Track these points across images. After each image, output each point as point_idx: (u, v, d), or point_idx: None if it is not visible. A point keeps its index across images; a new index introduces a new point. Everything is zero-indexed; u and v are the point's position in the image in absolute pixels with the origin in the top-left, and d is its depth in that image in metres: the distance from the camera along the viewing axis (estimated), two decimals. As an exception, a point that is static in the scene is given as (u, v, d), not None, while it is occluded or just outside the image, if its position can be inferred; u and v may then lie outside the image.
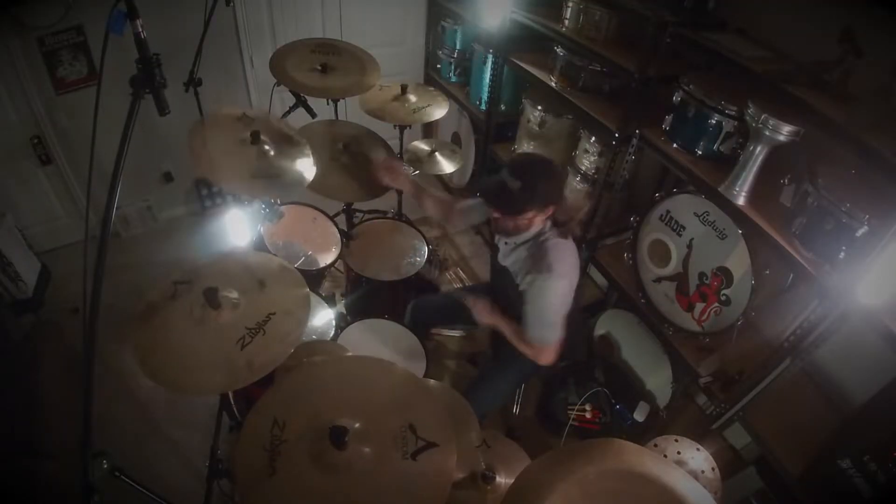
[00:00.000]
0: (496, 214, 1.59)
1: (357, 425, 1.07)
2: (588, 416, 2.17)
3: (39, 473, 1.73)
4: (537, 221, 1.59)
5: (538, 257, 1.58)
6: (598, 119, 2.19)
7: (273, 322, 1.28)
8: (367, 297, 2.23)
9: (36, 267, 2.61)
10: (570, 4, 2.22)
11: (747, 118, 1.56)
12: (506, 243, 1.70)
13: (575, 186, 2.49)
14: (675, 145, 1.89)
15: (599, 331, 2.48)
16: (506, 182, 1.48)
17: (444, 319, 1.91)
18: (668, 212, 1.97)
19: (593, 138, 2.35)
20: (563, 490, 0.88)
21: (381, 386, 1.20)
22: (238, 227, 2.37)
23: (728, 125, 1.73)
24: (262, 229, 2.17)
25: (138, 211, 3.12)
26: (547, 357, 1.62)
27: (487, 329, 2.20)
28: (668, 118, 1.90)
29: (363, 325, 1.95)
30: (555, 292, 1.56)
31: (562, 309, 1.59)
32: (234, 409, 1.78)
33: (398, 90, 2.39)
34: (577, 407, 2.15)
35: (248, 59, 3.01)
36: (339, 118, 2.49)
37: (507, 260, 1.70)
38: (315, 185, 2.05)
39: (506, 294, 1.75)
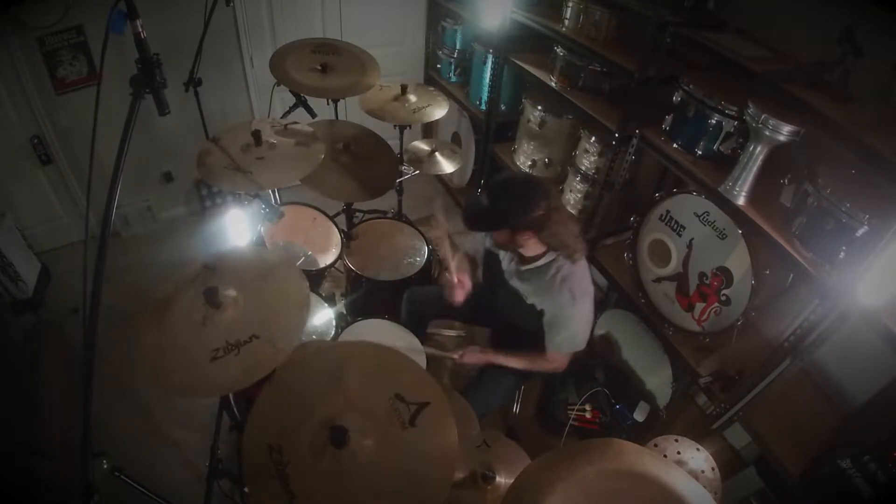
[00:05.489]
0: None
1: (352, 418, 1.06)
2: (588, 416, 2.17)
3: (39, 473, 1.73)
4: (531, 244, 1.58)
5: (556, 289, 1.59)
6: (598, 119, 2.19)
7: (251, 346, 1.18)
8: (367, 297, 2.23)
9: (36, 267, 2.61)
10: (570, 4, 2.22)
11: (747, 118, 1.56)
12: (512, 261, 1.71)
13: (575, 186, 2.50)
14: (675, 145, 1.89)
15: (599, 331, 2.47)
16: (479, 200, 1.53)
17: (441, 309, 1.92)
18: (668, 212, 1.97)
19: (593, 138, 2.35)
20: (563, 490, 0.88)
21: (357, 366, 1.18)
22: (238, 227, 2.37)
23: (728, 125, 1.73)
24: (262, 229, 2.17)
25: (138, 211, 3.12)
26: (563, 362, 1.70)
27: (487, 330, 2.22)
28: (668, 118, 1.90)
29: (363, 325, 1.95)
30: (580, 316, 1.62)
31: (588, 325, 1.67)
32: (235, 410, 1.78)
33: (398, 90, 2.39)
34: (577, 407, 2.15)
35: (248, 59, 3.01)
36: (339, 118, 2.50)
37: (515, 282, 1.71)
38: (315, 185, 2.07)
39: (510, 310, 1.76)
